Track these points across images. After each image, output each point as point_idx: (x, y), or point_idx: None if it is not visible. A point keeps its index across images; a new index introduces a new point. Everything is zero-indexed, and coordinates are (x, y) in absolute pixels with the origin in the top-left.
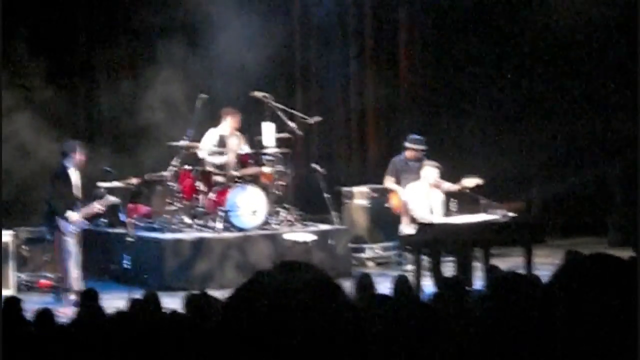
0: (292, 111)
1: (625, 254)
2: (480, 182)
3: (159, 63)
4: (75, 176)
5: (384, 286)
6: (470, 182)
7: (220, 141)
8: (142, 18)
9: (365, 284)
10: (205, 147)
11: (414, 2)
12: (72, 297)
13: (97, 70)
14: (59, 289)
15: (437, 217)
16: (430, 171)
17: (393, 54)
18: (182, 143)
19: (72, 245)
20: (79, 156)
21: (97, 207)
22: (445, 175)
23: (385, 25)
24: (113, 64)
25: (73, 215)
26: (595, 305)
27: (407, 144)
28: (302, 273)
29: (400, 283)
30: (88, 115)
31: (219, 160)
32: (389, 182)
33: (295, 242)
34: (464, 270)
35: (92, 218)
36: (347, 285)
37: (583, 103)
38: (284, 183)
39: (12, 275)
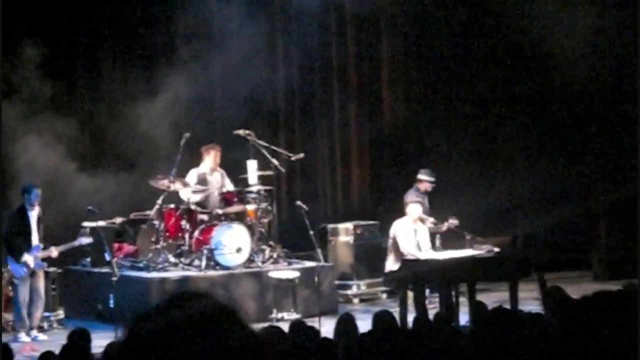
0: (275, 148)
1: (611, 288)
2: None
3: (142, 99)
4: (34, 215)
5: (368, 323)
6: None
7: (201, 179)
8: (125, 58)
9: (346, 323)
10: (190, 182)
11: (397, 37)
12: (21, 335)
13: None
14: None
15: (425, 252)
16: (414, 207)
17: (376, 89)
18: (166, 182)
19: (23, 287)
20: (38, 196)
21: (54, 252)
22: (429, 211)
23: (369, 60)
24: (95, 101)
25: (28, 259)
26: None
27: (420, 177)
28: (195, 303)
29: (380, 317)
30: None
31: (200, 197)
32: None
33: (280, 280)
34: (450, 305)
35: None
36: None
37: (569, 140)
38: (268, 220)
39: None
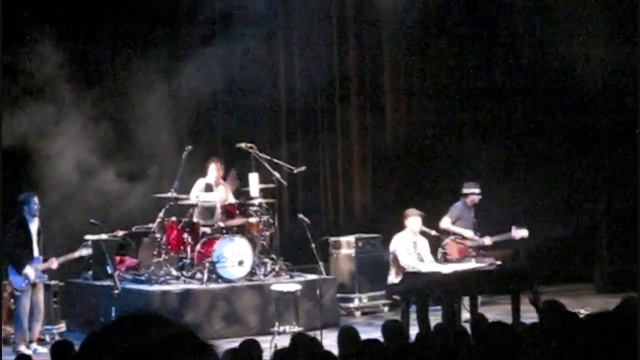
0: (277, 161)
1: (612, 300)
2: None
3: (144, 113)
4: (34, 226)
5: (371, 335)
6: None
7: (207, 189)
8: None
9: (348, 336)
10: (194, 194)
11: (400, 48)
12: (21, 348)
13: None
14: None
15: (427, 264)
16: (414, 220)
17: (379, 101)
18: (168, 195)
19: (24, 300)
20: (37, 205)
21: (54, 264)
22: (475, 225)
23: (371, 72)
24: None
25: (29, 271)
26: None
27: (465, 190)
28: (157, 329)
29: (390, 327)
30: None
31: (208, 205)
32: (447, 222)
33: (282, 293)
34: (451, 318)
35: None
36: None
37: (569, 151)
38: (270, 233)
39: None
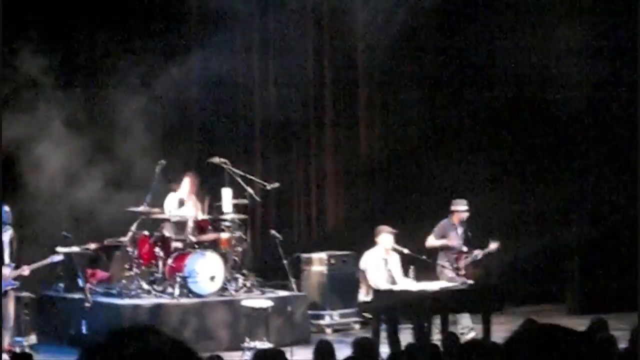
0: (251, 177)
1: (583, 322)
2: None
3: (118, 126)
4: (6, 235)
5: (342, 353)
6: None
7: (180, 204)
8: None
9: (324, 350)
10: (167, 209)
11: (374, 63)
12: None
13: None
14: None
15: (398, 282)
16: (385, 237)
17: (353, 117)
18: (141, 209)
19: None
20: (8, 214)
21: (26, 271)
22: (464, 241)
23: (345, 87)
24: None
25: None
26: None
27: (453, 207)
28: (148, 337)
29: (360, 344)
30: None
31: (180, 219)
32: (430, 240)
33: (253, 309)
34: (422, 337)
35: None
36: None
37: (541, 171)
38: (242, 249)
39: None
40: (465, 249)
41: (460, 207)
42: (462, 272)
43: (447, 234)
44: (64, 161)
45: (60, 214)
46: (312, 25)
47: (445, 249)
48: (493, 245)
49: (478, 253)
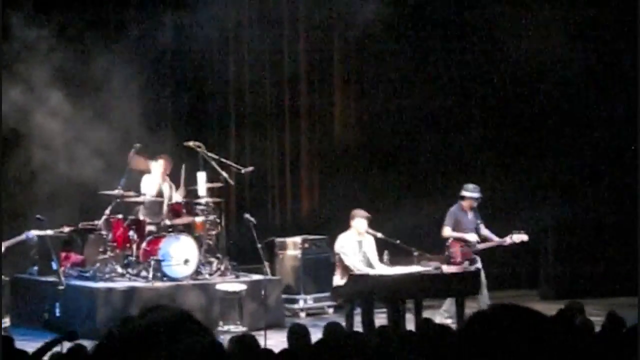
0: (225, 161)
1: (555, 307)
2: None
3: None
4: None
5: (316, 336)
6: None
7: (153, 186)
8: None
9: (298, 334)
10: (144, 191)
11: (350, 47)
12: None
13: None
14: None
15: (374, 264)
16: (359, 221)
17: (328, 101)
18: (115, 192)
19: None
20: None
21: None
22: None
23: (320, 70)
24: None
25: None
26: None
27: (463, 193)
28: (160, 312)
29: (331, 328)
30: None
31: (154, 202)
32: (448, 232)
33: (227, 292)
34: (396, 321)
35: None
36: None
37: (518, 152)
38: (216, 233)
39: None
40: (480, 246)
41: (473, 194)
42: (457, 260)
43: (460, 222)
44: (40, 143)
45: (35, 196)
46: (287, 8)
47: (460, 241)
48: (517, 237)
49: (503, 240)
